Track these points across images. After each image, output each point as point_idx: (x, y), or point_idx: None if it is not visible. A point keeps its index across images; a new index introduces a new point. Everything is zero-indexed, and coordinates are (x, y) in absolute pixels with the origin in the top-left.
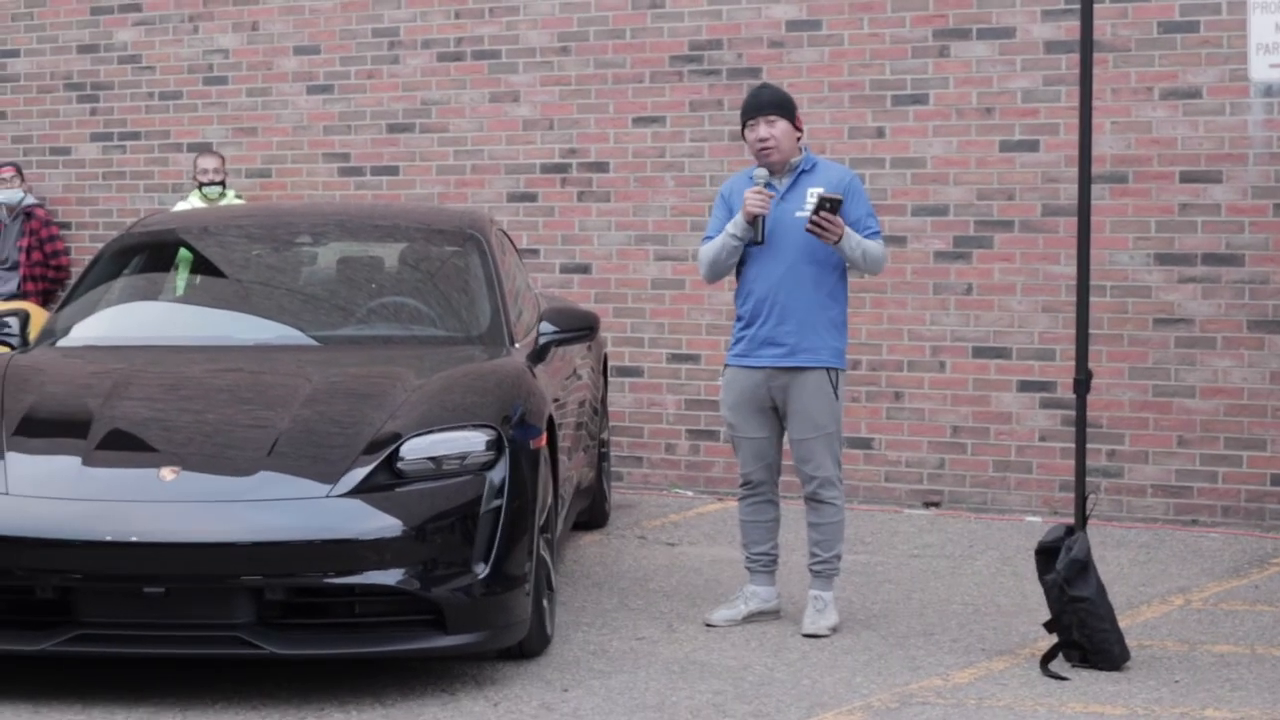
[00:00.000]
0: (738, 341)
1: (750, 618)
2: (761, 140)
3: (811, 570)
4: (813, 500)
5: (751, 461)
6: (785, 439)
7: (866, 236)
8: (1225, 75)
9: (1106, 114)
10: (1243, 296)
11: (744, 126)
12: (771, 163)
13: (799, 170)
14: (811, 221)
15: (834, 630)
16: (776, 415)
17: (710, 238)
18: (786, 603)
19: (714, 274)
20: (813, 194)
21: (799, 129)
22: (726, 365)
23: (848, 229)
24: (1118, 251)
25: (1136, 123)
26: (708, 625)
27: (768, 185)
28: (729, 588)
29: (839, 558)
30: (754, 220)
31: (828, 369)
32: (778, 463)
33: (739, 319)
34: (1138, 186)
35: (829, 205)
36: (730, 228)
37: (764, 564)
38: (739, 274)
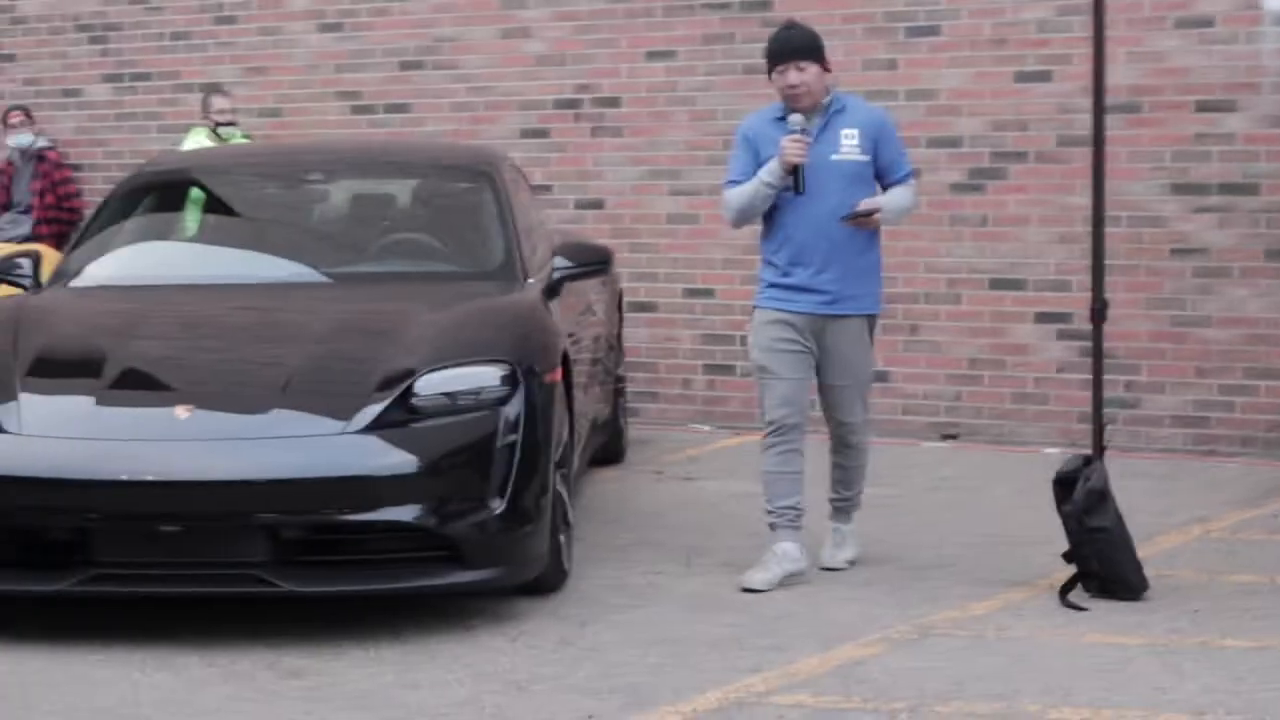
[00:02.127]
0: (771, 286)
1: (785, 580)
2: (792, 87)
3: (833, 504)
4: (841, 444)
5: (782, 405)
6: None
7: (899, 180)
8: (1239, 4)
9: (1120, 44)
10: (1259, 226)
11: (771, 70)
12: (802, 107)
13: (830, 111)
14: (848, 221)
15: (852, 563)
16: (811, 357)
17: (735, 181)
18: (807, 538)
19: (744, 220)
20: (851, 134)
21: (828, 70)
22: (757, 308)
23: (882, 204)
24: (1133, 182)
25: (1150, 52)
26: (745, 590)
27: (804, 131)
28: (746, 522)
29: (861, 494)
30: (794, 169)
31: (868, 316)
32: (806, 406)
33: (771, 265)
34: (1152, 116)
35: (862, 214)
36: (765, 175)
37: (790, 519)
38: (769, 219)
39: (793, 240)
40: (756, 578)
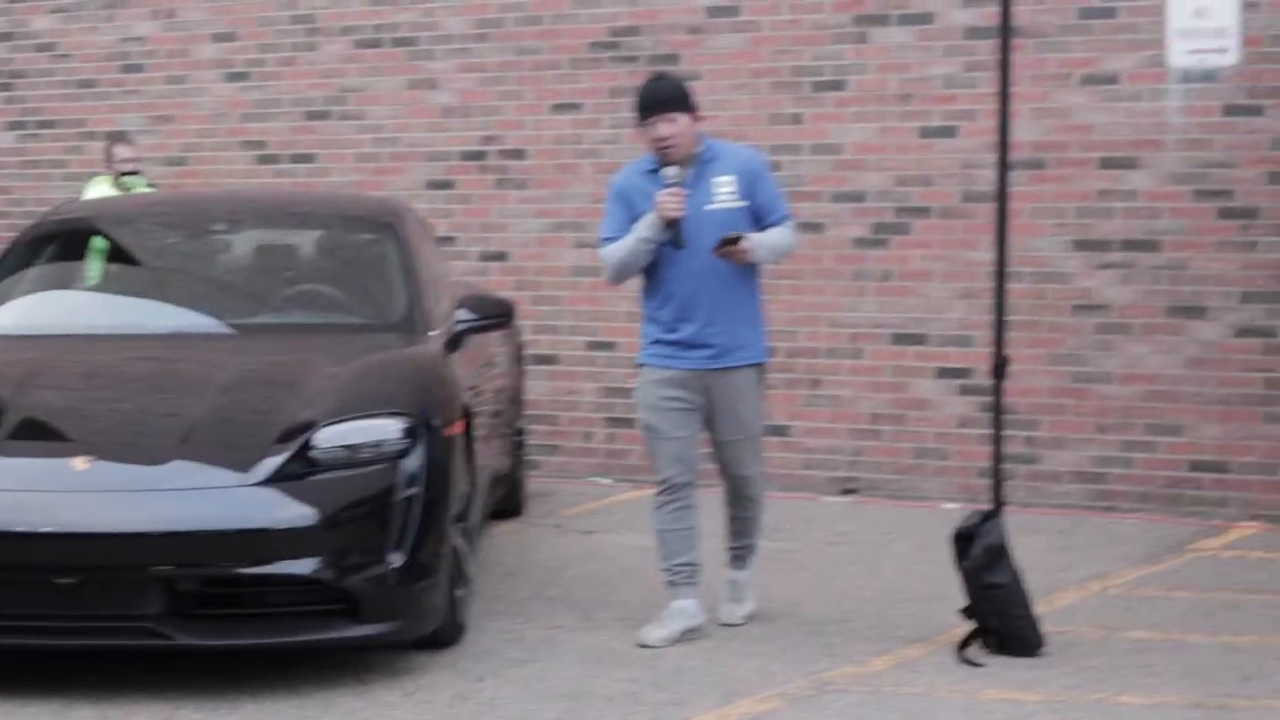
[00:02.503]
0: (656, 343)
1: (682, 636)
2: (662, 139)
3: (731, 552)
4: (737, 497)
5: (671, 464)
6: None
7: (775, 221)
8: (1144, 61)
9: (1025, 100)
10: (1160, 283)
11: (640, 122)
12: (673, 160)
13: (702, 160)
14: (718, 253)
15: (750, 618)
16: (700, 414)
17: (611, 239)
18: (704, 591)
19: (623, 277)
20: (726, 182)
21: (699, 119)
22: (643, 365)
23: (754, 238)
24: (1036, 238)
25: (1055, 109)
26: (642, 646)
27: (680, 184)
28: (645, 576)
29: (757, 544)
30: (672, 223)
31: (757, 365)
32: (697, 463)
33: (656, 321)
34: (1056, 173)
35: (731, 241)
36: (643, 230)
37: (687, 575)
38: (649, 274)
39: (676, 295)
40: (654, 634)
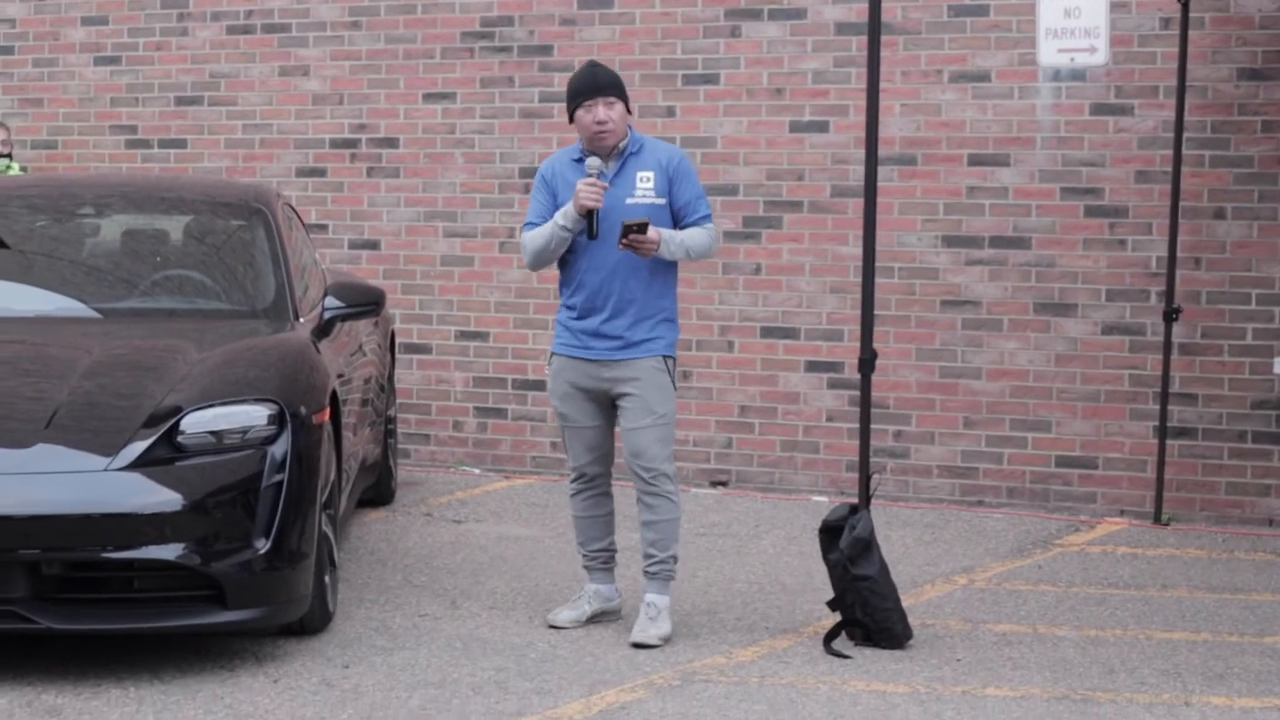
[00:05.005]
0: (566, 330)
1: (593, 618)
2: (600, 123)
3: (646, 573)
4: (647, 495)
5: (584, 453)
6: (617, 431)
7: (696, 220)
8: (1014, 59)
9: (896, 96)
10: (1029, 279)
11: (576, 107)
12: (605, 146)
13: (626, 153)
14: (622, 245)
15: (665, 640)
16: (610, 404)
17: (533, 224)
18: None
19: (540, 263)
20: (646, 177)
21: (630, 112)
22: (553, 354)
23: (664, 234)
24: (906, 233)
25: (926, 105)
26: (551, 627)
27: (601, 175)
28: (514, 565)
29: (675, 559)
30: (588, 213)
31: (663, 356)
32: (611, 453)
33: (567, 309)
34: (926, 169)
35: (635, 229)
36: (560, 218)
37: (603, 561)
38: (565, 263)
39: (586, 285)
40: (563, 615)
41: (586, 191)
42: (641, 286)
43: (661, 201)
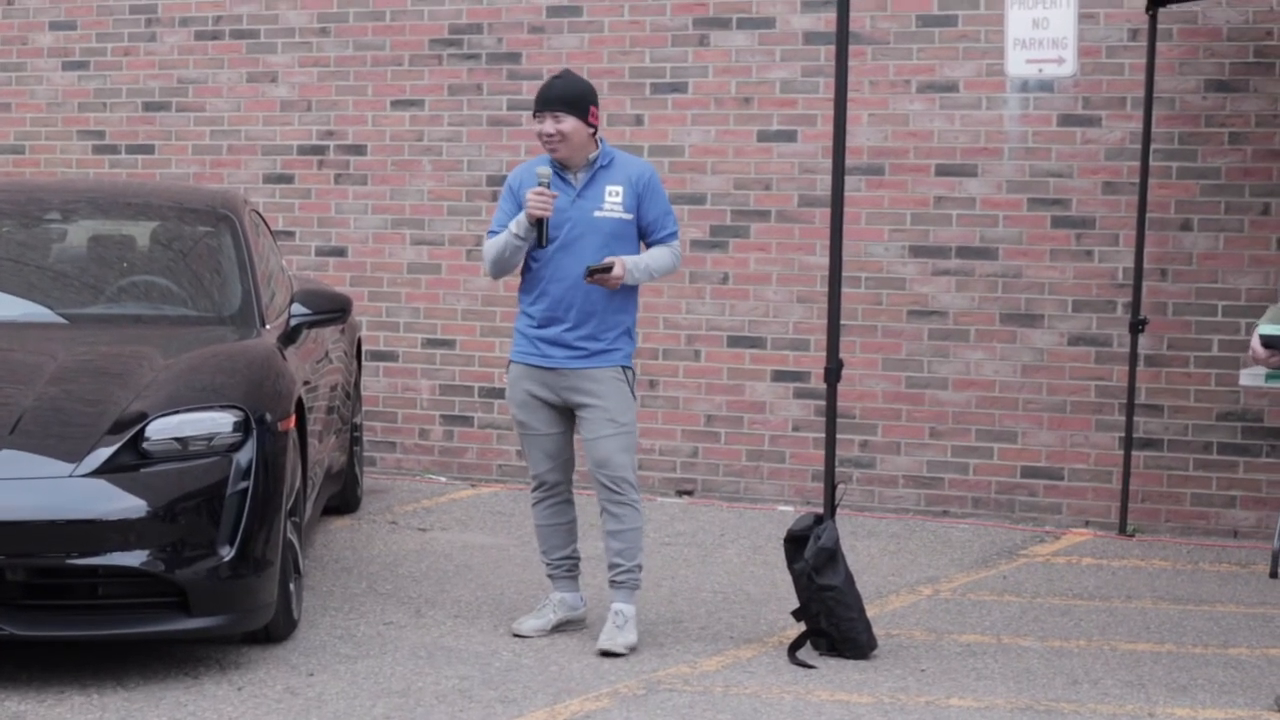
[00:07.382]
0: (524, 338)
1: (558, 627)
2: (547, 136)
3: (613, 582)
4: (611, 504)
5: (543, 460)
6: (578, 440)
7: (662, 238)
8: (982, 70)
9: (864, 106)
10: (996, 290)
11: (533, 117)
12: (560, 158)
13: (596, 166)
14: (588, 281)
15: (632, 649)
16: (569, 412)
17: (495, 232)
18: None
19: (500, 271)
20: (614, 191)
21: (593, 124)
22: (511, 362)
23: (628, 264)
24: (873, 243)
25: (894, 115)
26: (516, 635)
27: (550, 184)
28: (479, 574)
29: (640, 568)
30: (538, 222)
31: (622, 366)
32: (571, 460)
33: (527, 316)
34: (894, 179)
35: (599, 270)
36: (513, 226)
37: (566, 569)
38: (527, 271)
39: (548, 295)
40: (528, 624)
41: (534, 200)
42: (604, 299)
43: (629, 216)
